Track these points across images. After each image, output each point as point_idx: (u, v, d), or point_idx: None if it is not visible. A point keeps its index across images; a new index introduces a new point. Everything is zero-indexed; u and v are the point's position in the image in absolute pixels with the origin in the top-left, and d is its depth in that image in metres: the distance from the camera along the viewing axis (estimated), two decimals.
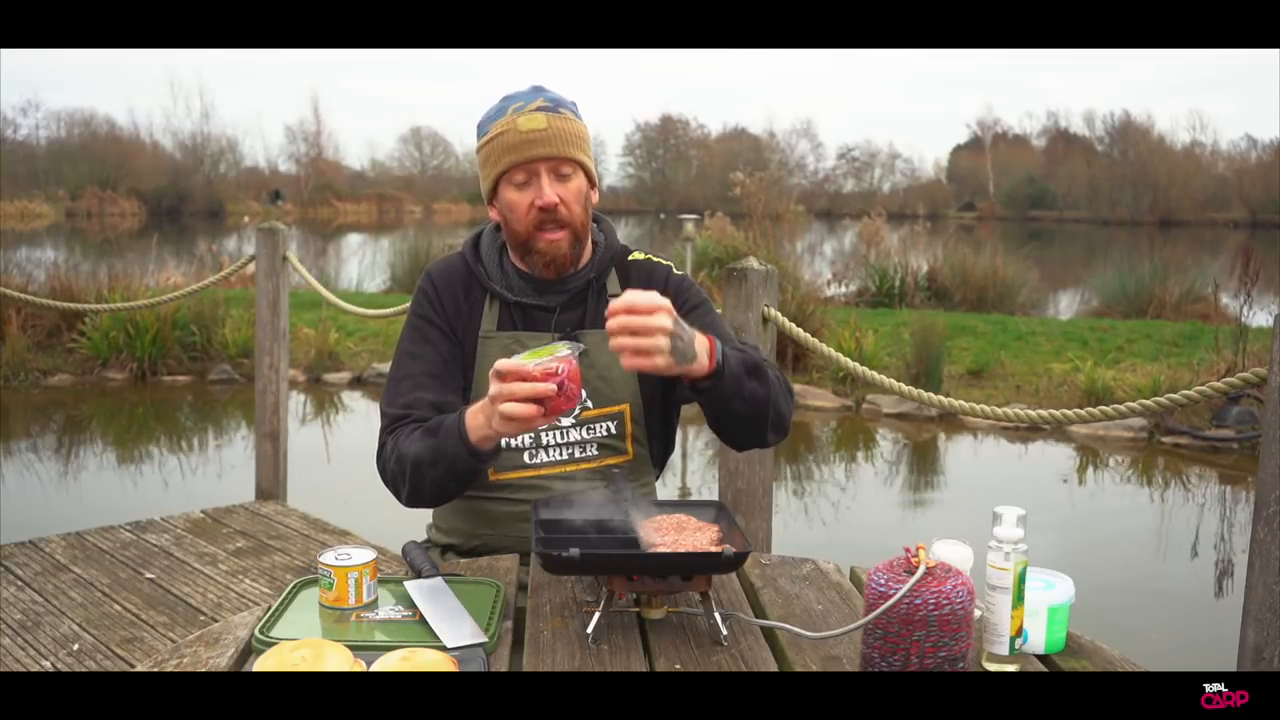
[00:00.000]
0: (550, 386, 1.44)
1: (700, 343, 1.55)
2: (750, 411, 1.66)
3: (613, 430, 1.80)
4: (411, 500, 1.72)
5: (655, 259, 1.90)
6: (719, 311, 1.94)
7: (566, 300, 1.82)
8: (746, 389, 1.63)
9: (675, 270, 1.90)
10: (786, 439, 1.85)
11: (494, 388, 1.48)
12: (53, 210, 36.09)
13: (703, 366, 1.55)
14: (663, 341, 1.45)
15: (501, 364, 1.47)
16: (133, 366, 8.26)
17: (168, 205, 39.34)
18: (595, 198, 1.84)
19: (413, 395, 1.75)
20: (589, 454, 1.79)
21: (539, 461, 1.78)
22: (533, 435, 1.76)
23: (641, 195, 57.38)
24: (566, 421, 1.78)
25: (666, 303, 1.47)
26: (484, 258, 1.86)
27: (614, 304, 1.46)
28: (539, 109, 1.74)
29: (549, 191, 1.73)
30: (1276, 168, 43.15)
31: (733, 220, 12.80)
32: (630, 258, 1.89)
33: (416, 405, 1.73)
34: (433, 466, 1.64)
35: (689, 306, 1.84)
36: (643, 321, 1.44)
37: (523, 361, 1.46)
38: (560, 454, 1.79)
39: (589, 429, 1.79)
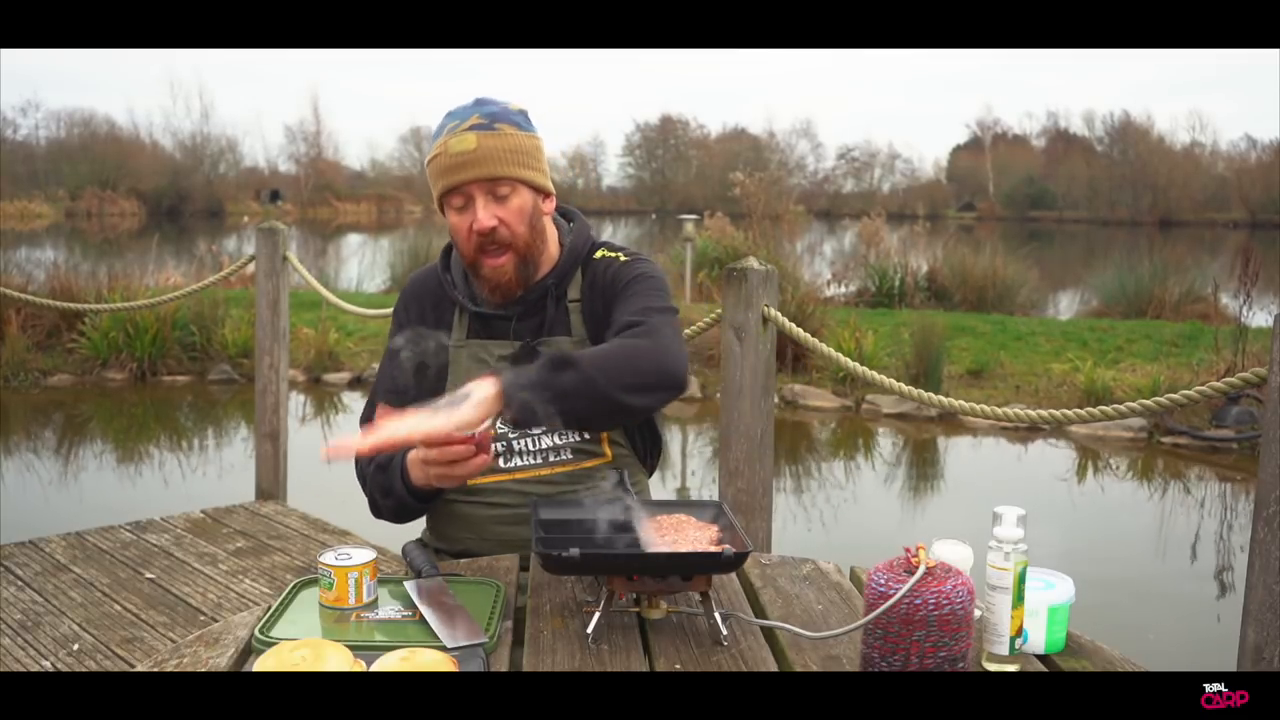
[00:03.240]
0: (470, 448, 1.49)
1: (473, 395, 1.48)
2: (586, 402, 1.55)
3: (585, 434, 1.79)
4: (377, 517, 1.82)
5: (611, 254, 1.83)
6: (661, 280, 1.82)
7: (525, 309, 1.80)
8: (558, 385, 1.52)
9: (622, 257, 1.82)
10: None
11: (421, 452, 1.53)
12: (52, 210, 36.06)
13: (488, 405, 1.48)
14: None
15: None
16: (132, 366, 8.26)
17: (168, 205, 39.32)
18: (549, 206, 1.81)
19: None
20: (563, 458, 1.79)
21: (513, 466, 1.78)
22: (504, 442, 1.77)
23: (641, 195, 57.37)
24: (536, 429, 1.76)
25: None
26: (453, 267, 1.87)
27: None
28: (472, 128, 1.70)
29: (483, 215, 1.70)
30: (1276, 168, 43.11)
31: (732, 220, 12.79)
32: (595, 256, 1.84)
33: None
34: (385, 498, 1.75)
35: (617, 291, 1.77)
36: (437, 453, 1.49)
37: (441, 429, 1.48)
38: (534, 459, 1.78)
39: (560, 434, 1.78)
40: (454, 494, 1.78)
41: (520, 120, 1.75)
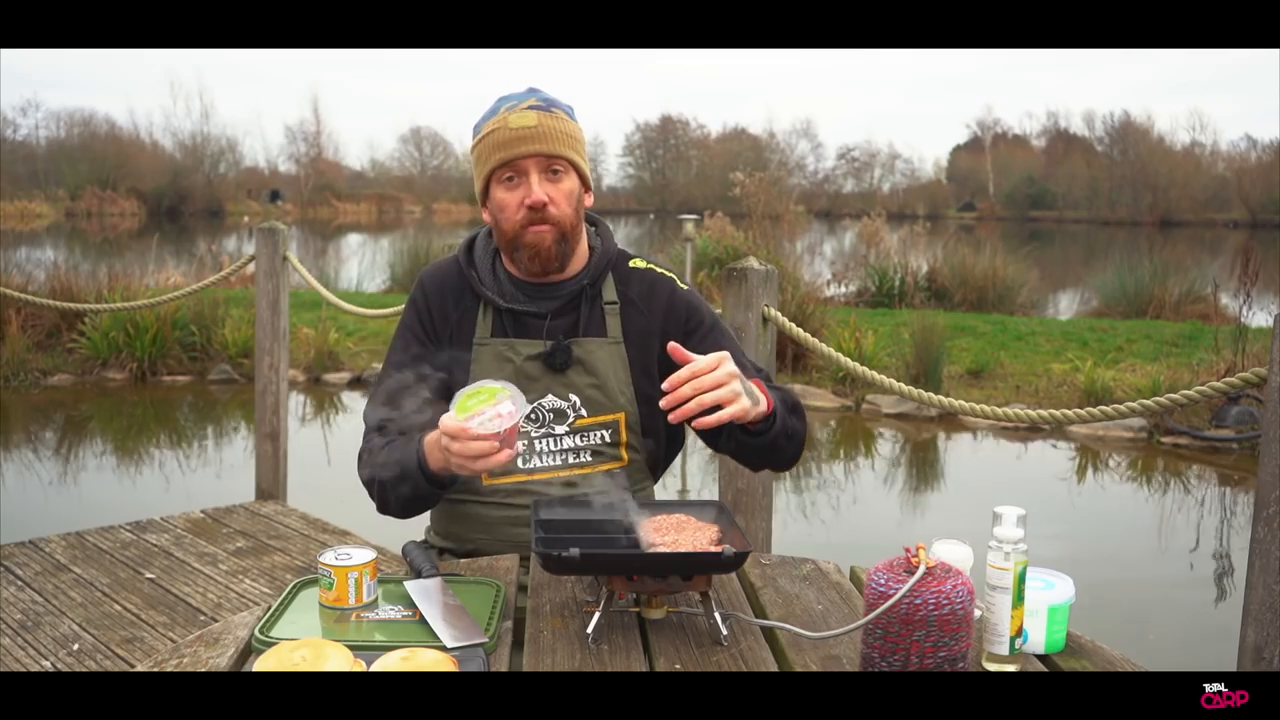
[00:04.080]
0: (494, 444, 1.47)
1: (758, 395, 1.57)
2: (790, 447, 1.70)
3: (607, 438, 1.79)
4: (382, 511, 1.76)
5: (658, 269, 1.87)
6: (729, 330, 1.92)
7: (559, 306, 1.80)
8: (789, 426, 1.67)
9: (680, 283, 1.86)
10: None
11: (444, 440, 1.50)
12: (53, 210, 36.05)
13: (763, 408, 1.58)
14: (737, 385, 1.48)
15: (447, 424, 1.48)
16: (133, 366, 8.26)
17: (168, 205, 39.32)
18: (589, 201, 1.82)
19: (391, 408, 1.77)
20: (583, 460, 1.78)
21: (533, 466, 1.77)
22: (526, 441, 1.76)
23: (641, 195, 57.39)
24: (560, 429, 1.77)
25: (725, 354, 1.50)
26: (477, 263, 1.85)
27: (674, 376, 1.46)
28: (531, 107, 1.74)
29: (538, 190, 1.72)
30: (1276, 168, 43.11)
31: (733, 220, 12.79)
32: (630, 264, 1.86)
33: (393, 418, 1.76)
34: (396, 487, 1.68)
35: (704, 329, 1.82)
36: (713, 378, 1.46)
37: (464, 423, 1.47)
38: (554, 460, 1.78)
39: (583, 436, 1.78)
40: (469, 495, 1.76)
41: (570, 111, 1.80)
